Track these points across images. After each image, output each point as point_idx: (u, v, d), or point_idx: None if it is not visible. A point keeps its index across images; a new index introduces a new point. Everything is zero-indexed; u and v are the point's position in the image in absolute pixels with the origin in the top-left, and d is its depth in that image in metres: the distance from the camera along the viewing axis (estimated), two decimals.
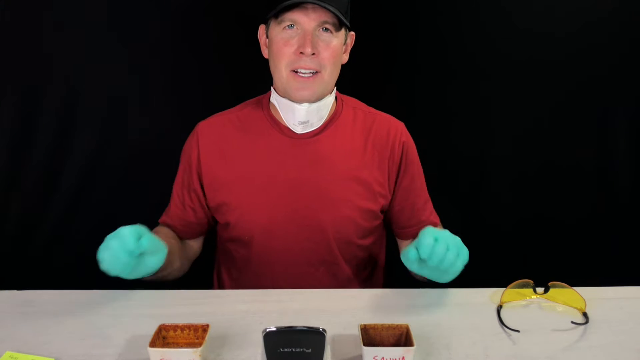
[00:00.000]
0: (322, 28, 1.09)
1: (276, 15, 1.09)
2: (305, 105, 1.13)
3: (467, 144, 1.74)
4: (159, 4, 1.61)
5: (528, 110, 1.70)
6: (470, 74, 1.69)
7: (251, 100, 1.26)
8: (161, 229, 1.23)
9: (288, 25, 1.09)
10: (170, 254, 1.09)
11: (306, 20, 1.07)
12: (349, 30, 1.18)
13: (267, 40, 1.16)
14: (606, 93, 1.69)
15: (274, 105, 1.19)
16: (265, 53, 1.19)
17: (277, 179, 1.16)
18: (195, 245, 1.28)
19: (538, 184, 1.75)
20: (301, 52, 1.08)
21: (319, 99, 1.14)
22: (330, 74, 1.12)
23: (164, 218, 1.26)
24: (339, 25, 1.10)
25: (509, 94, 1.70)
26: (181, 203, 1.23)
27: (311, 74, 1.10)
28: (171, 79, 1.66)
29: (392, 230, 1.31)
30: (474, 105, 1.71)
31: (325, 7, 1.05)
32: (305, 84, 1.10)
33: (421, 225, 1.25)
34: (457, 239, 0.96)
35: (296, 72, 1.10)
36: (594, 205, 1.76)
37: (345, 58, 1.19)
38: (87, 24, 1.59)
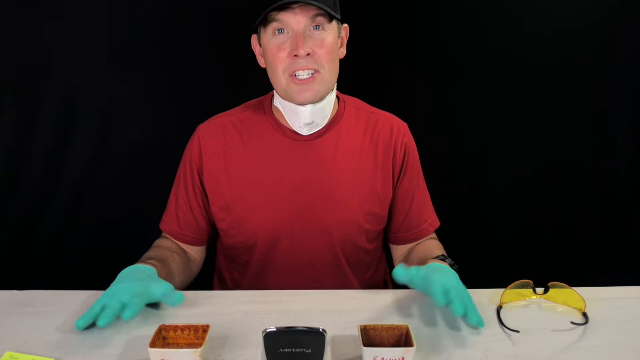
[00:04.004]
0: (313, 26, 1.06)
1: (264, 23, 1.07)
2: (309, 107, 1.11)
3: (467, 144, 1.74)
4: (159, 4, 1.60)
5: (528, 110, 1.70)
6: (471, 73, 1.69)
7: (252, 102, 1.24)
8: (163, 243, 1.20)
9: (278, 30, 1.06)
10: (170, 274, 1.09)
11: (294, 20, 1.05)
12: (342, 23, 1.15)
13: (261, 49, 1.14)
14: (606, 93, 1.69)
15: (276, 108, 1.18)
16: (261, 62, 1.16)
17: (280, 181, 1.15)
18: (198, 258, 1.26)
19: (538, 184, 1.75)
20: (295, 55, 1.05)
21: (321, 98, 1.11)
22: (329, 71, 1.10)
23: (171, 227, 1.22)
24: (330, 19, 1.08)
25: (509, 93, 1.70)
26: (188, 208, 1.21)
27: (310, 75, 1.08)
28: (171, 79, 1.66)
29: (386, 234, 1.30)
30: (474, 105, 1.71)
31: (311, 4, 1.03)
32: (306, 86, 1.08)
33: (412, 233, 1.25)
34: (459, 282, 0.96)
35: (294, 75, 1.08)
36: (594, 205, 1.76)
37: (342, 52, 1.16)
38: (87, 24, 1.59)
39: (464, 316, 0.89)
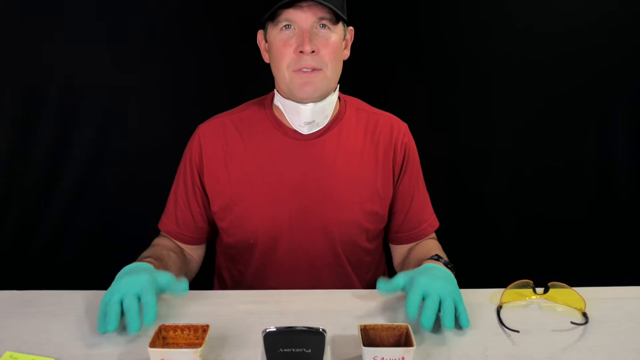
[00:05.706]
0: (320, 25, 1.08)
1: (272, 18, 1.08)
2: (310, 105, 1.11)
3: (467, 144, 1.74)
4: (159, 4, 1.61)
5: (528, 109, 1.71)
6: (472, 73, 1.69)
7: (253, 101, 1.24)
8: (162, 241, 1.20)
9: (285, 26, 1.08)
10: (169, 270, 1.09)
11: (302, 17, 1.06)
12: (347, 25, 1.16)
13: (266, 44, 1.15)
14: (606, 93, 1.69)
15: (277, 107, 1.18)
16: (266, 58, 1.17)
17: (281, 180, 1.15)
18: (196, 257, 1.26)
19: (538, 184, 1.75)
20: (301, 51, 1.06)
21: (322, 96, 1.12)
22: (333, 70, 1.11)
23: (169, 227, 1.22)
24: (336, 20, 1.09)
25: (509, 93, 1.70)
26: (187, 208, 1.21)
27: (313, 70, 1.08)
28: (171, 79, 1.66)
29: (386, 235, 1.30)
30: (474, 105, 1.71)
31: (320, 3, 1.04)
32: (308, 79, 1.08)
33: (412, 232, 1.25)
34: (446, 281, 0.94)
35: (299, 71, 1.08)
36: (594, 205, 1.76)
37: (346, 54, 1.17)
38: (87, 24, 1.59)
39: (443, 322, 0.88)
